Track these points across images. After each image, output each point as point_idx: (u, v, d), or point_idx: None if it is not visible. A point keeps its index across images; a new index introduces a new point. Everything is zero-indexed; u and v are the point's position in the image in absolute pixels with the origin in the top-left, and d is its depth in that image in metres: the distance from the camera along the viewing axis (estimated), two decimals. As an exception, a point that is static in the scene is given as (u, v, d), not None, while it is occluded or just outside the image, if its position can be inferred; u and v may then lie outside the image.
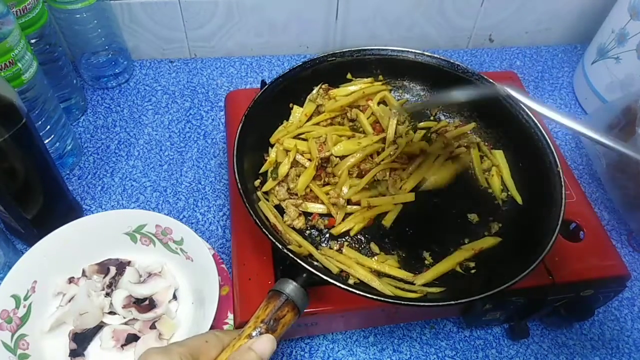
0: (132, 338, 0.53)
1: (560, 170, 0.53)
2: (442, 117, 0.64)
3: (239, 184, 0.50)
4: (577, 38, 0.93)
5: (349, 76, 0.64)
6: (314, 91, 0.63)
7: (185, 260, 0.57)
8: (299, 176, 0.56)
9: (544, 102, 0.54)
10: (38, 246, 0.55)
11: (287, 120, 0.62)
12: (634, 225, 0.68)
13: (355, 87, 0.63)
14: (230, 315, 0.54)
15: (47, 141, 0.64)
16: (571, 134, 0.80)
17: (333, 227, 0.54)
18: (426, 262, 0.53)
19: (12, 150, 0.52)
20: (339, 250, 0.52)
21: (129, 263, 0.58)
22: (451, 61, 0.61)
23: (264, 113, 0.57)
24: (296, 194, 0.55)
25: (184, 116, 0.78)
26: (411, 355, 0.58)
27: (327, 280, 0.45)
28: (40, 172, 0.57)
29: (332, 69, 0.63)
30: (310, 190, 0.56)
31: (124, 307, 0.54)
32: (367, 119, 0.62)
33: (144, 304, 0.54)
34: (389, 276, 0.51)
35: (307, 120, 0.61)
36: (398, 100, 0.65)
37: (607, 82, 0.77)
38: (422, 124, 0.63)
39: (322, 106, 0.62)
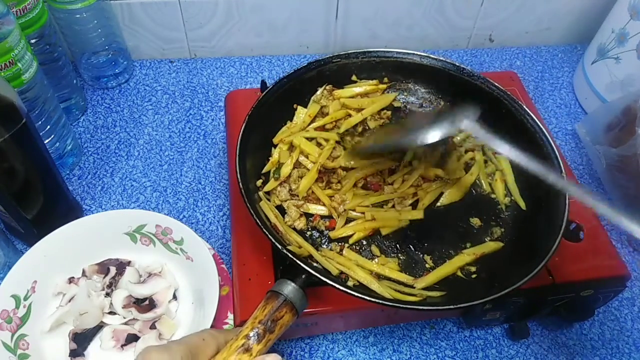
0: (132, 338, 0.53)
1: (565, 177, 0.53)
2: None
3: (240, 184, 0.50)
4: (577, 38, 0.93)
5: (353, 78, 0.64)
6: (318, 92, 0.63)
7: (185, 260, 0.57)
8: (301, 177, 0.56)
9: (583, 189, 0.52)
10: (38, 246, 0.55)
11: (291, 120, 0.62)
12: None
13: (360, 88, 0.63)
14: (230, 315, 0.54)
15: (47, 141, 0.64)
16: (571, 134, 0.80)
17: (334, 228, 0.54)
18: (427, 265, 0.53)
19: (12, 150, 0.52)
20: (340, 252, 0.52)
21: (129, 263, 0.58)
22: (457, 64, 0.61)
23: (267, 113, 0.57)
24: (298, 195, 0.55)
25: (184, 116, 0.78)
26: (411, 355, 0.58)
27: (326, 282, 0.45)
28: (40, 172, 0.57)
29: (337, 70, 0.63)
30: (312, 192, 0.56)
31: (124, 307, 0.54)
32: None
33: (144, 304, 0.54)
34: (389, 279, 0.51)
35: (311, 122, 0.61)
36: (403, 102, 0.65)
37: (607, 82, 0.77)
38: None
39: (326, 107, 0.62)
